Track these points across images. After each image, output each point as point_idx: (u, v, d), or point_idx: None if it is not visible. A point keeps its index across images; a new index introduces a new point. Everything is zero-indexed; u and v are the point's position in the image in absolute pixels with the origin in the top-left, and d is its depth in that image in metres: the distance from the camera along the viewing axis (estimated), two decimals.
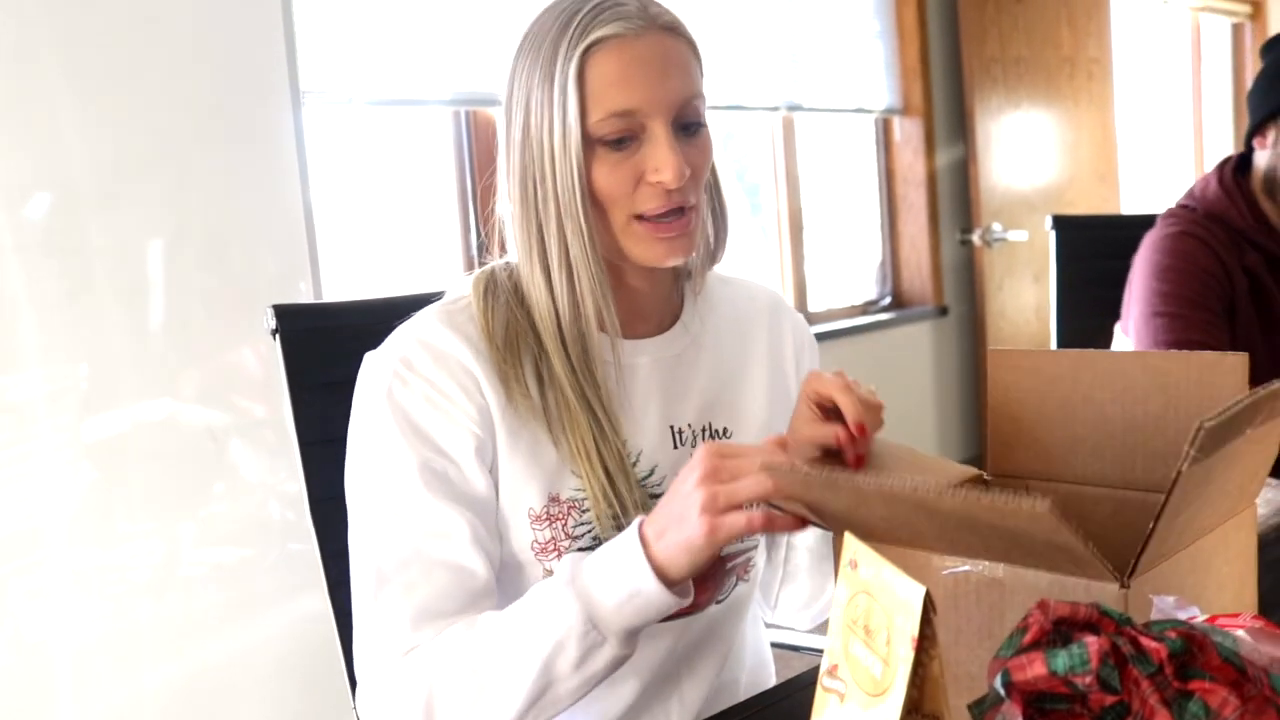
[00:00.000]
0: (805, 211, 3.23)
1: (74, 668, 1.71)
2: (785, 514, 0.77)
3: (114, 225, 1.77)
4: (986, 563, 0.65)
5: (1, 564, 1.64)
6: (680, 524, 0.79)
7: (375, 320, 0.96)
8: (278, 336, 1.06)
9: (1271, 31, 5.02)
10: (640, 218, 0.93)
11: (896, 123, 3.51)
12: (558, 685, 0.82)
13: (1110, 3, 3.92)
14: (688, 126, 0.94)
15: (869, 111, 3.41)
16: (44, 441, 1.69)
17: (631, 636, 0.83)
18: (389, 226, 2.39)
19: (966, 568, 0.65)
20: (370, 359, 0.95)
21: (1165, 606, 0.50)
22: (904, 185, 3.54)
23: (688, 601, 0.82)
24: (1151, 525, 0.60)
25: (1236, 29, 5.25)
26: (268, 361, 1.91)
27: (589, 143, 0.91)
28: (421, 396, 0.91)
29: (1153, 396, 0.82)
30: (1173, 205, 1.73)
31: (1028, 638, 0.45)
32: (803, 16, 3.12)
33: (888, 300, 3.55)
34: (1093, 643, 0.43)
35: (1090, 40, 3.83)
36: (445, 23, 2.30)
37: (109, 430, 1.76)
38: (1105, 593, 0.58)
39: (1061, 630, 0.45)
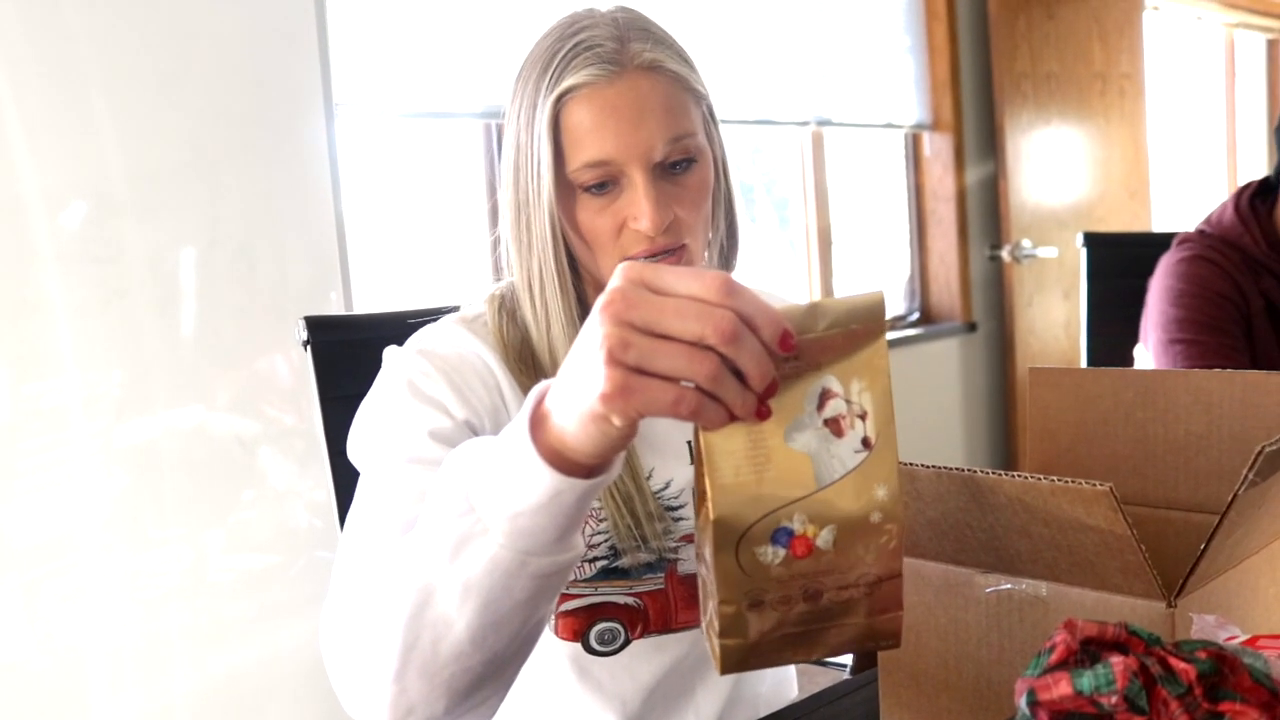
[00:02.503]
0: (834, 226, 3.23)
1: (105, 671, 1.72)
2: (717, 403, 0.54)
3: (149, 233, 1.79)
4: (1029, 581, 0.65)
5: (34, 567, 1.66)
6: (580, 379, 0.57)
7: (404, 331, 0.97)
8: (309, 348, 1.08)
9: None
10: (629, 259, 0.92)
11: (926, 138, 3.50)
12: (437, 590, 0.64)
13: (1143, 18, 3.90)
14: (676, 165, 0.91)
15: (898, 127, 3.41)
16: (78, 447, 1.71)
17: (523, 535, 0.61)
18: (420, 238, 2.41)
19: (1009, 586, 0.65)
20: (391, 350, 0.95)
21: (1205, 625, 0.50)
22: (933, 200, 3.53)
23: (594, 485, 0.61)
24: (1203, 546, 0.60)
25: (1272, 45, 5.21)
26: (298, 370, 1.93)
27: (571, 188, 0.91)
28: (440, 375, 0.91)
29: (1195, 416, 0.82)
30: (1190, 230, 1.73)
31: (1054, 657, 0.45)
32: (833, 31, 3.13)
33: (916, 316, 3.54)
34: (1119, 662, 0.43)
35: (1122, 56, 3.81)
36: (476, 37, 2.31)
37: (141, 436, 1.78)
38: (1152, 611, 0.58)
39: (1089, 650, 0.44)
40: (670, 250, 0.91)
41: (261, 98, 1.92)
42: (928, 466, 0.65)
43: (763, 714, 1.01)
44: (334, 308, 1.99)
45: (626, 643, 0.98)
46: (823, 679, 1.15)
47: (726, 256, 1.04)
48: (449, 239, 2.45)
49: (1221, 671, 0.43)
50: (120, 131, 1.76)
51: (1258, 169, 5.04)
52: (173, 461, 1.81)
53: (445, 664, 0.66)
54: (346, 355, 1.09)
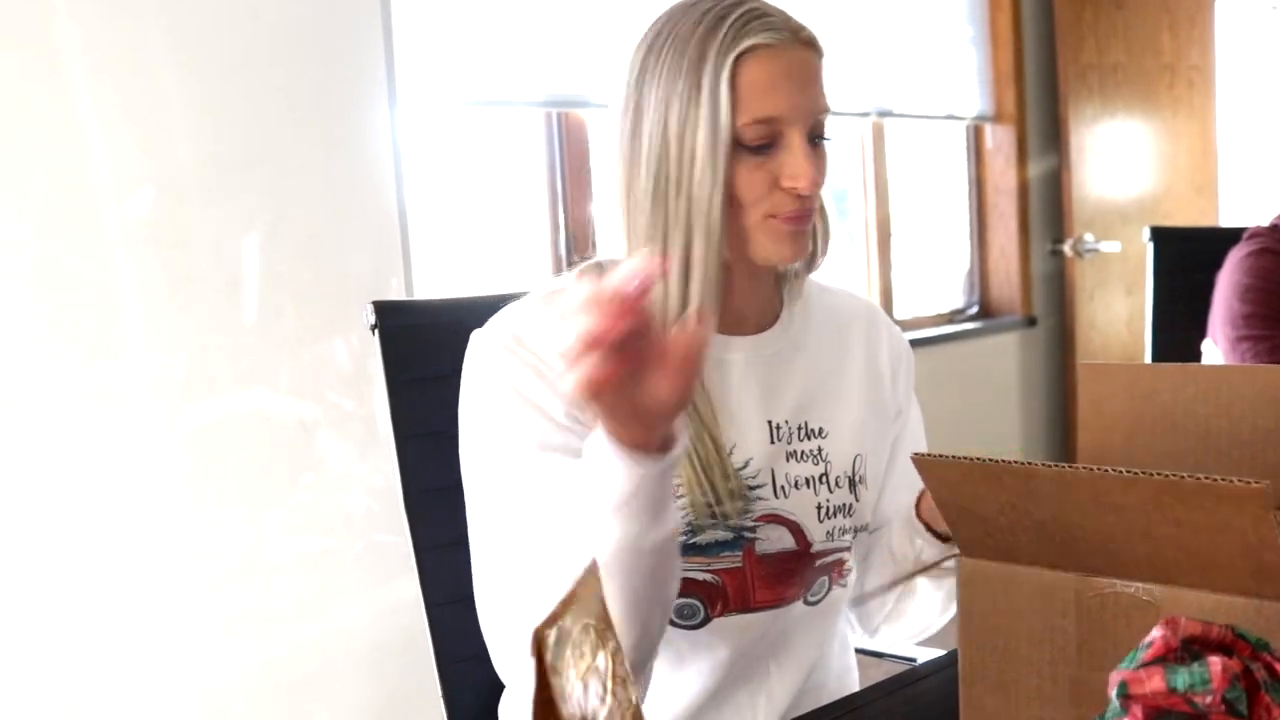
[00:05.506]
0: (894, 218, 3.20)
1: (166, 649, 1.76)
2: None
3: (215, 219, 1.81)
4: (1140, 584, 0.62)
5: (98, 546, 1.70)
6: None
7: (471, 317, 0.97)
8: (376, 331, 1.08)
9: None
10: (773, 215, 0.95)
11: (988, 130, 3.46)
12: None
13: (1215, 8, 3.81)
14: (817, 139, 0.97)
15: (960, 119, 3.37)
16: (143, 428, 1.74)
17: (628, 521, 0.80)
18: (480, 226, 2.42)
19: (1117, 587, 0.62)
20: (478, 337, 0.97)
21: None
22: (995, 193, 3.48)
23: (667, 464, 0.79)
24: None
25: None
26: (359, 356, 1.95)
27: (732, 145, 0.93)
28: (531, 370, 0.93)
29: (1262, 410, 0.79)
30: (1261, 225, 1.69)
31: (1150, 653, 0.44)
32: (895, 22, 3.09)
33: (975, 310, 3.50)
34: (1216, 663, 0.42)
35: (1193, 47, 3.73)
36: (539, 26, 2.31)
37: (205, 419, 1.81)
38: None
39: (1191, 649, 0.43)
40: (808, 214, 0.96)
41: (326, 86, 1.94)
42: (1049, 465, 0.62)
43: (825, 703, 1.01)
44: (395, 294, 2.01)
45: (707, 619, 0.99)
46: (875, 671, 1.14)
47: (818, 246, 1.05)
48: (510, 226, 2.46)
49: None
50: (188, 119, 1.78)
51: None
52: (235, 444, 1.83)
53: None
54: (413, 339, 1.10)
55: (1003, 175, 3.45)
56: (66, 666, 1.67)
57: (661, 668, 0.98)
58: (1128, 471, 0.58)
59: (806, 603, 1.03)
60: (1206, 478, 0.55)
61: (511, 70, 2.29)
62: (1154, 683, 0.43)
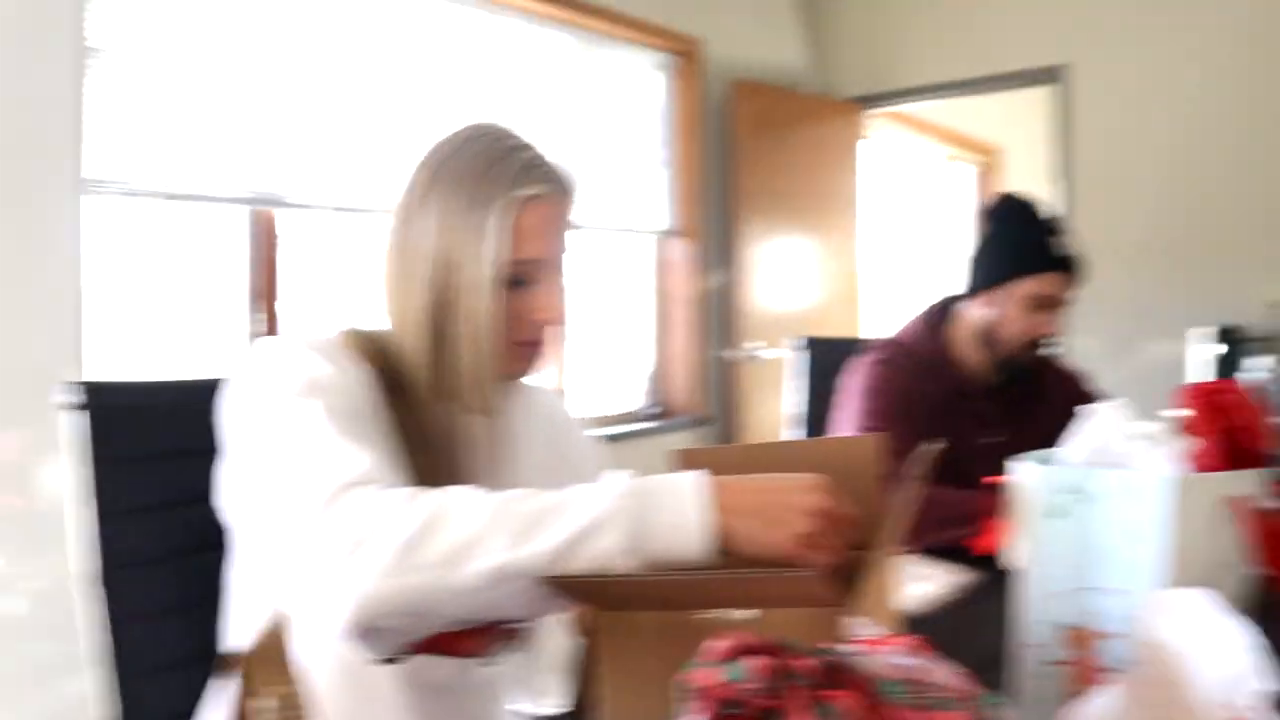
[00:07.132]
0: (588, 323, 3.39)
1: None
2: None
3: None
4: (740, 611, 0.77)
5: None
6: (770, 524, 0.83)
7: (179, 398, 1.02)
8: (88, 412, 1.12)
9: (1006, 178, 5.68)
10: (519, 342, 1.06)
11: (672, 244, 3.76)
12: (539, 556, 0.82)
13: (860, 147, 4.34)
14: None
15: (648, 233, 3.64)
16: None
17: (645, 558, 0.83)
18: (163, 320, 2.38)
19: (724, 615, 0.78)
20: (264, 345, 1.00)
21: (858, 626, 0.66)
22: (674, 303, 3.77)
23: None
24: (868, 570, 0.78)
25: (981, 174, 5.93)
26: (31, 451, 1.88)
27: (503, 279, 1.02)
28: (324, 358, 0.98)
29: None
30: (881, 339, 1.99)
31: (707, 658, 0.58)
32: (591, 144, 3.33)
33: (657, 409, 3.74)
34: (756, 660, 0.57)
35: (843, 177, 4.23)
36: (234, 125, 2.34)
37: None
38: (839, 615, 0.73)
39: (741, 653, 0.58)
40: (548, 339, 1.07)
41: (7, 170, 1.89)
42: (649, 576, 0.78)
43: None
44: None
45: (407, 654, 0.99)
46: None
47: None
48: (196, 319, 2.43)
49: (833, 669, 0.57)
50: None
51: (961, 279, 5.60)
52: None
53: (465, 582, 0.81)
54: (122, 418, 1.15)
55: (683, 286, 3.75)
56: None
57: (351, 703, 1.01)
58: (708, 570, 0.77)
59: (490, 663, 1.09)
60: (771, 571, 0.74)
61: (204, 166, 2.30)
62: (713, 677, 0.56)
